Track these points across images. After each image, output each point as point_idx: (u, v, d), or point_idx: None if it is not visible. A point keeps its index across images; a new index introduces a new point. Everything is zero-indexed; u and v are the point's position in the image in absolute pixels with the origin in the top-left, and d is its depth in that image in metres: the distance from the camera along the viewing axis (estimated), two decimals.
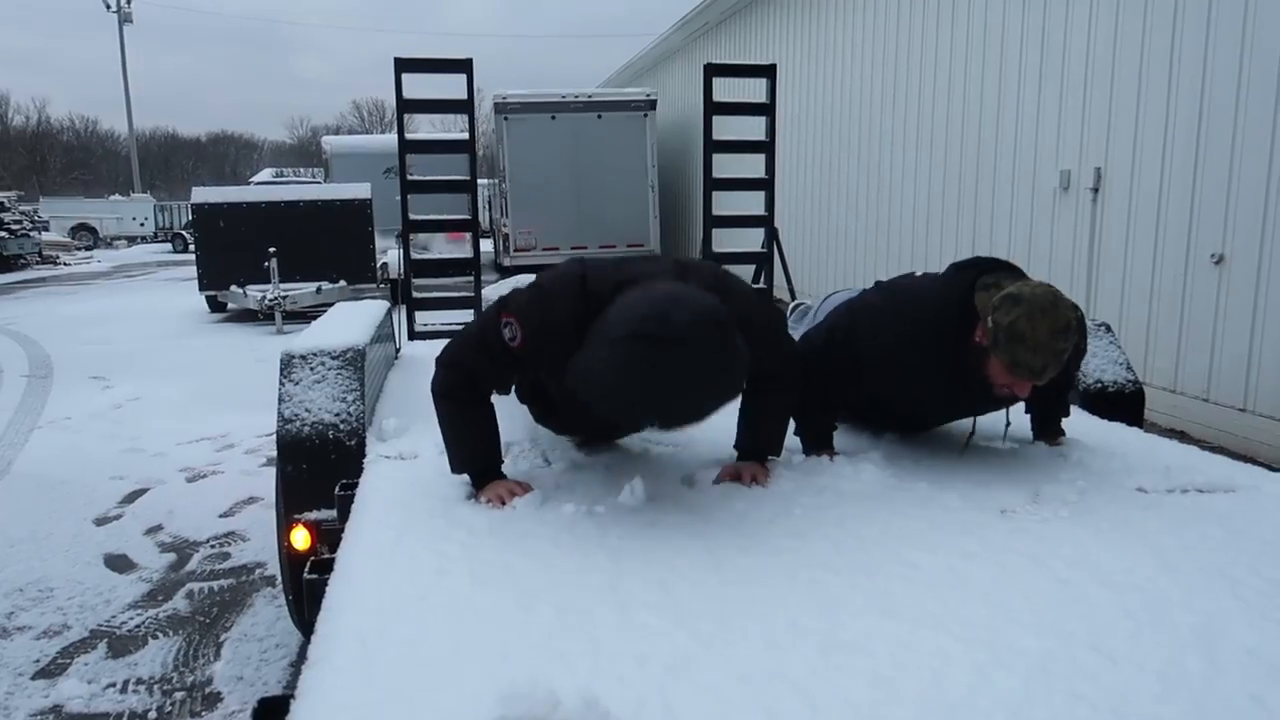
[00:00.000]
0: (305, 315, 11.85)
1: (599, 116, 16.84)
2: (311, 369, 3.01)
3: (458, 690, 1.38)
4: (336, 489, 2.60)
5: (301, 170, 37.94)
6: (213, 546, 4.31)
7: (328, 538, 2.91)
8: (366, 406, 3.00)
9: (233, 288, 11.93)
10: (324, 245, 11.99)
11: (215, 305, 12.90)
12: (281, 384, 2.98)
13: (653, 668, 1.46)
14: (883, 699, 1.37)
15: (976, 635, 1.56)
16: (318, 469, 2.86)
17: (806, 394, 2.64)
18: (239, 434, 6.25)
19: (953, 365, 2.38)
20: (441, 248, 18.17)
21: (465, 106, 5.75)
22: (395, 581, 1.81)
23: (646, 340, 1.92)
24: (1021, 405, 2.84)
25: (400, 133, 5.62)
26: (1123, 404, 3.28)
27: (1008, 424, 2.67)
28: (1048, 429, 2.80)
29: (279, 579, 3.89)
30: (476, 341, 2.40)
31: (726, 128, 5.68)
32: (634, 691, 1.37)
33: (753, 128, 5.94)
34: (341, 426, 2.90)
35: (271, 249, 10.87)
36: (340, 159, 17.87)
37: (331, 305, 13.18)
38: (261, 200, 12.28)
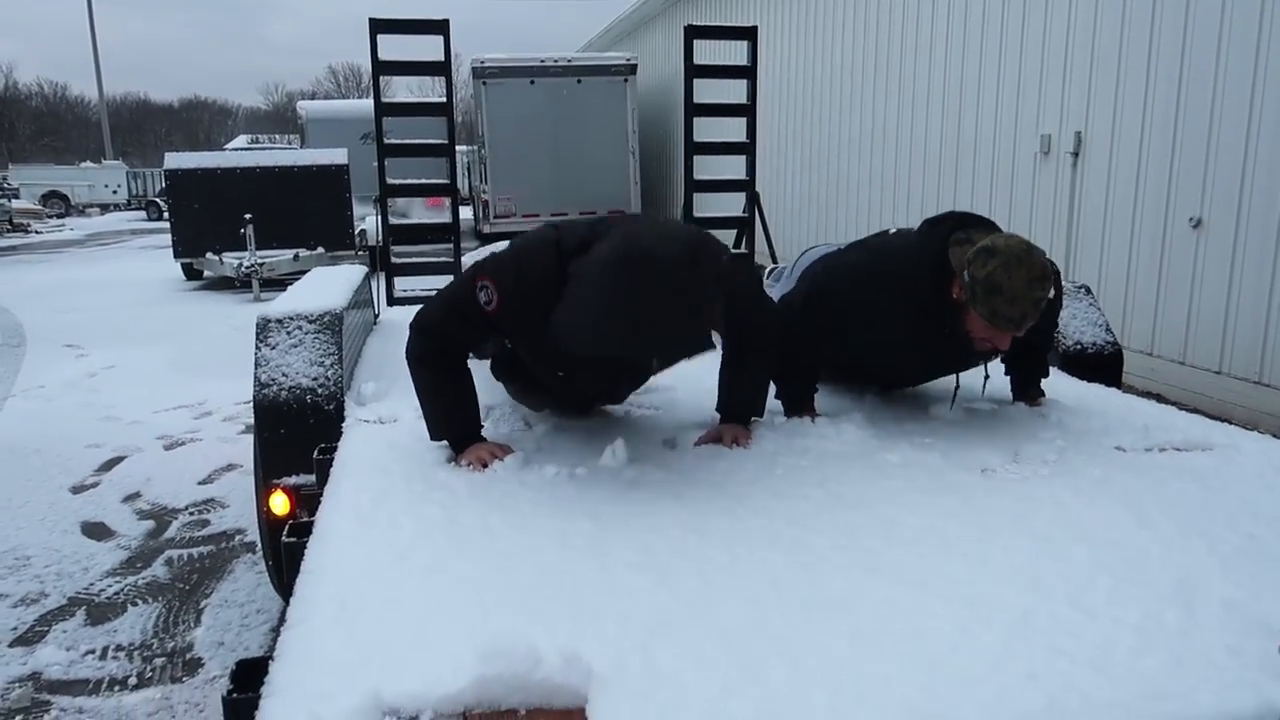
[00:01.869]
0: (283, 282, 11.71)
1: (579, 81, 16.65)
2: (288, 333, 2.97)
3: (437, 649, 1.37)
4: (315, 453, 2.57)
5: (277, 137, 37.42)
6: (191, 514, 4.28)
7: (307, 502, 2.88)
8: (344, 370, 2.97)
9: (208, 255, 11.79)
10: (301, 211, 11.84)
11: (191, 273, 12.74)
12: (258, 349, 2.95)
13: (634, 626, 1.45)
14: (865, 655, 1.37)
15: (958, 591, 1.56)
16: (296, 433, 2.83)
17: (786, 356, 2.63)
18: (217, 401, 6.19)
19: (931, 321, 2.38)
20: (421, 214, 17.96)
21: (442, 69, 5.67)
22: (374, 544, 1.80)
23: (622, 263, 1.92)
24: (1001, 367, 2.86)
25: (376, 96, 5.54)
26: (1102, 365, 3.29)
27: (986, 377, 2.67)
28: (1027, 390, 2.80)
29: (259, 545, 3.88)
30: (452, 306, 2.38)
31: (708, 91, 5.63)
32: (615, 649, 1.37)
33: (734, 91, 5.88)
34: (319, 390, 2.87)
35: (247, 215, 10.73)
36: (316, 124, 17.59)
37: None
38: (236, 166, 12.10)
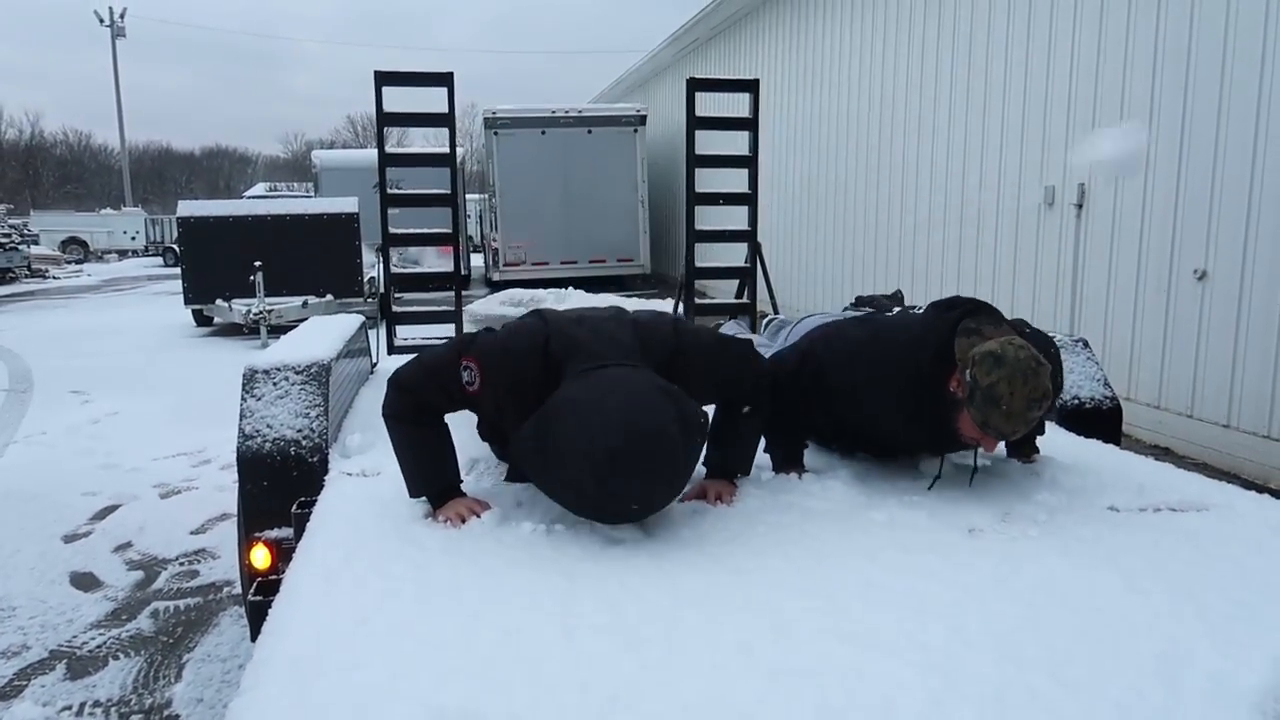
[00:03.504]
0: (290, 329, 11.80)
1: (589, 132, 16.88)
2: (274, 384, 2.95)
3: (404, 707, 1.33)
4: (294, 507, 2.54)
5: (295, 185, 37.93)
6: (181, 564, 4.24)
7: (287, 556, 2.84)
8: (330, 422, 2.94)
9: (218, 301, 11.86)
10: (310, 259, 11.93)
11: (201, 319, 12.82)
12: (244, 399, 2.93)
13: (594, 696, 1.41)
14: None
15: (933, 661, 1.51)
16: (278, 486, 2.79)
17: (776, 413, 2.60)
18: (216, 449, 6.18)
19: (922, 409, 2.33)
20: (433, 262, 18.15)
21: (445, 120, 5.73)
22: (338, 604, 1.76)
23: (618, 455, 1.93)
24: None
25: (380, 146, 5.58)
26: (1099, 420, 3.24)
27: (974, 470, 2.57)
28: (1022, 447, 2.74)
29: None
30: (433, 374, 2.37)
31: (712, 143, 5.66)
32: (587, 709, 1.32)
33: (739, 143, 5.91)
34: (303, 443, 2.84)
35: (257, 262, 10.81)
36: (329, 173, 17.85)
37: None
38: (247, 214, 12.23)
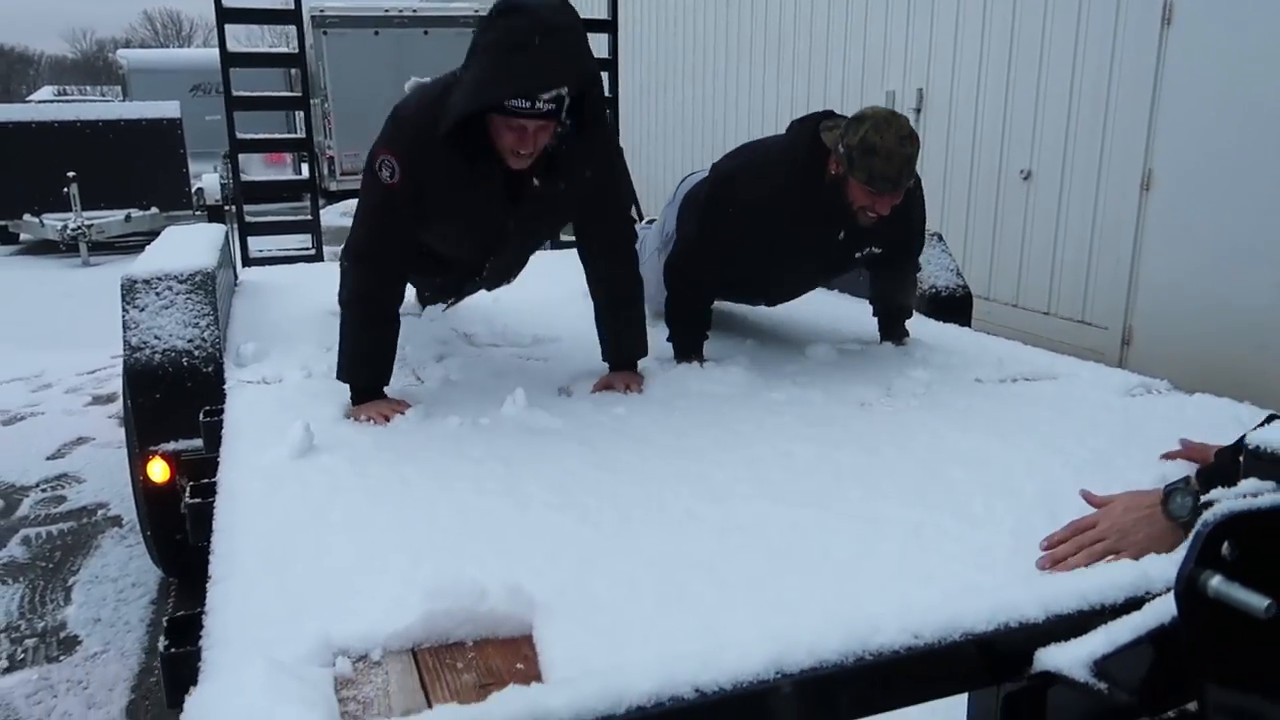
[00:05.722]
0: (113, 246, 10.99)
1: (425, 33, 16.16)
2: (157, 294, 2.85)
3: (378, 592, 1.40)
4: (201, 415, 2.49)
5: (88, 88, 34.53)
6: (44, 490, 4.03)
7: (188, 468, 2.79)
8: (221, 331, 2.87)
9: (26, 217, 10.86)
10: (131, 169, 11.04)
11: (5, 236, 11.72)
12: (125, 310, 2.82)
13: (565, 561, 1.53)
14: (781, 570, 1.49)
15: (855, 511, 1.71)
16: (173, 398, 2.73)
17: (679, 301, 2.75)
18: (56, 373, 5.79)
19: (815, 202, 2.54)
20: (259, 171, 17.12)
21: (292, 17, 5.44)
22: (287, 501, 1.79)
23: (497, 12, 2.08)
24: (870, 308, 3.06)
25: (222, 45, 5.21)
26: (955, 307, 3.56)
27: (865, 254, 2.82)
28: (893, 330, 3.00)
29: (130, 517, 3.72)
30: (368, 211, 2.42)
31: None
32: (552, 581, 1.43)
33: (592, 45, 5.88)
34: (196, 353, 2.76)
35: (71, 173, 9.94)
36: (140, 75, 16.41)
37: (143, 234, 12.27)
38: (54, 119, 11.15)
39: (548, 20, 2.07)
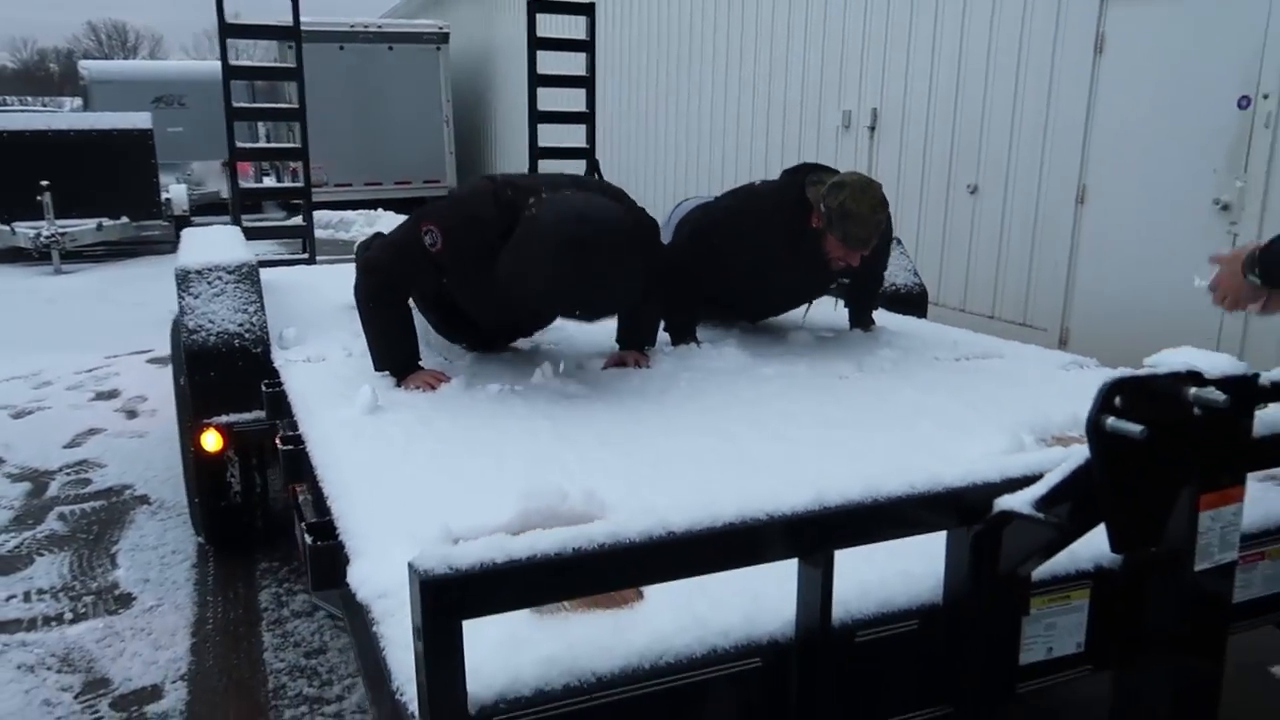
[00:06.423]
0: (82, 254, 11.10)
1: (390, 48, 16.43)
2: (209, 283, 3.16)
3: (478, 498, 1.75)
4: (263, 386, 2.81)
5: (30, 99, 34.01)
6: (68, 474, 4.28)
7: (239, 439, 3.13)
8: (267, 316, 3.19)
9: None
10: (101, 179, 11.16)
11: None
12: (181, 297, 3.13)
13: (617, 481, 1.89)
14: (791, 483, 1.87)
15: (846, 449, 2.10)
16: (227, 375, 3.05)
17: (672, 293, 3.13)
18: (54, 372, 6.00)
19: (795, 247, 2.94)
20: (216, 182, 17.20)
21: (292, 33, 5.74)
22: (372, 443, 2.13)
23: (575, 243, 2.32)
24: (842, 301, 3.48)
25: (224, 58, 5.51)
26: (913, 302, 4.00)
27: (837, 293, 3.27)
28: (862, 319, 3.42)
29: (158, 495, 3.99)
30: (398, 249, 2.70)
31: (543, 64, 6.03)
32: (619, 488, 1.80)
33: (572, 63, 6.29)
34: (246, 335, 3.09)
35: (44, 182, 10.06)
36: (102, 86, 16.41)
37: (113, 243, 12.37)
38: (25, 128, 11.23)
39: (605, 270, 2.37)
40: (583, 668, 1.21)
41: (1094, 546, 1.38)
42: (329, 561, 1.68)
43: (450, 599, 1.02)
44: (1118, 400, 1.13)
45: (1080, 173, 5.82)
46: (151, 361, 6.27)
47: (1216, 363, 1.28)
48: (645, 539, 1.12)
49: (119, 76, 16.68)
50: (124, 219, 11.36)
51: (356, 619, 1.54)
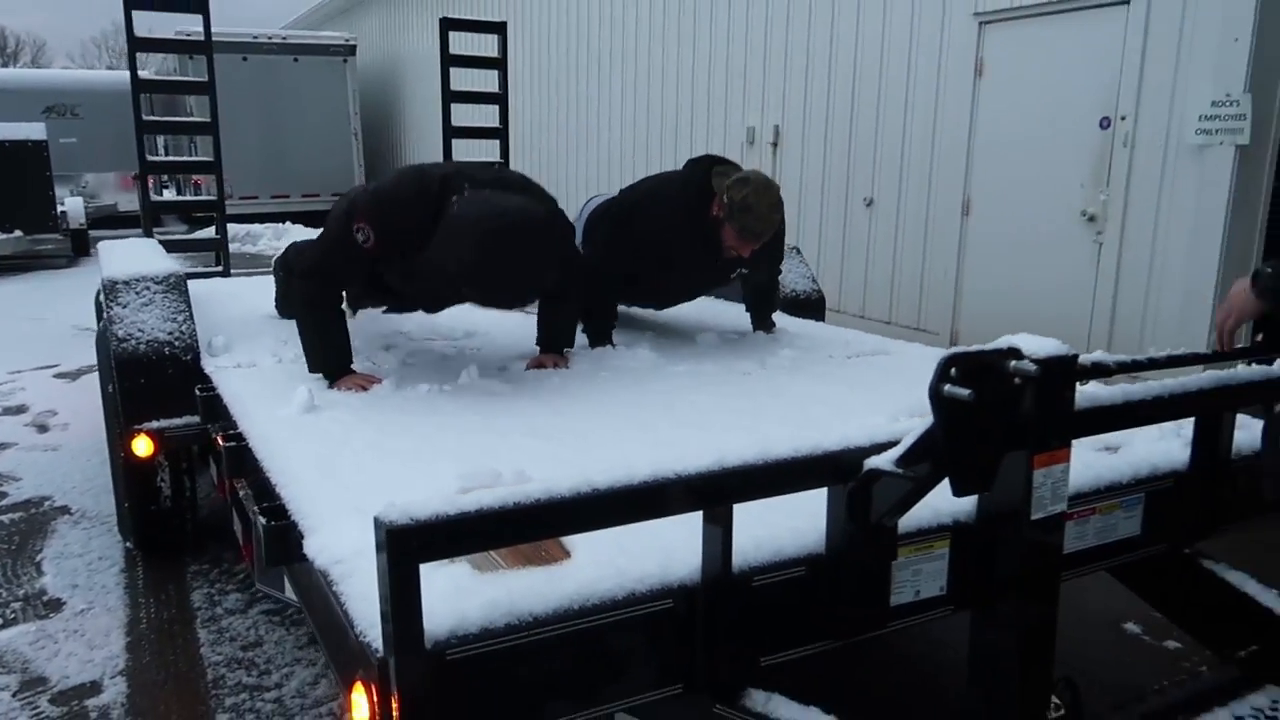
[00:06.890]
0: None
1: (295, 60, 16.31)
2: (137, 293, 3.25)
3: (419, 481, 1.93)
4: (197, 391, 2.92)
5: None
6: None
7: (170, 444, 3.22)
8: (195, 326, 3.29)
9: None
10: None
11: None
12: (109, 307, 3.21)
13: (549, 461, 2.09)
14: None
15: (746, 429, 2.35)
16: (156, 382, 3.14)
17: (591, 299, 3.35)
18: None
19: (696, 232, 3.18)
20: (112, 195, 16.74)
21: (203, 47, 5.77)
22: (312, 438, 2.29)
23: (494, 233, 2.54)
24: (744, 310, 3.75)
25: (133, 71, 5.52)
26: (810, 307, 4.30)
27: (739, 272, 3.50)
28: (763, 323, 3.70)
29: (78, 506, 4.01)
30: (333, 249, 2.87)
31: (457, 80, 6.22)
32: (547, 468, 1.99)
33: (480, 80, 6.51)
34: (176, 343, 3.18)
35: None
36: None
37: (6, 257, 12.11)
38: None
39: (525, 259, 2.57)
40: (521, 610, 1.42)
41: (954, 503, 1.65)
42: (282, 540, 1.84)
43: (411, 545, 1.22)
44: (953, 371, 1.40)
45: (965, 186, 6.27)
46: (59, 376, 6.19)
47: (1043, 345, 1.56)
48: (573, 494, 1.33)
49: (7, 85, 16.09)
50: (17, 233, 11.05)
51: (313, 588, 1.71)
